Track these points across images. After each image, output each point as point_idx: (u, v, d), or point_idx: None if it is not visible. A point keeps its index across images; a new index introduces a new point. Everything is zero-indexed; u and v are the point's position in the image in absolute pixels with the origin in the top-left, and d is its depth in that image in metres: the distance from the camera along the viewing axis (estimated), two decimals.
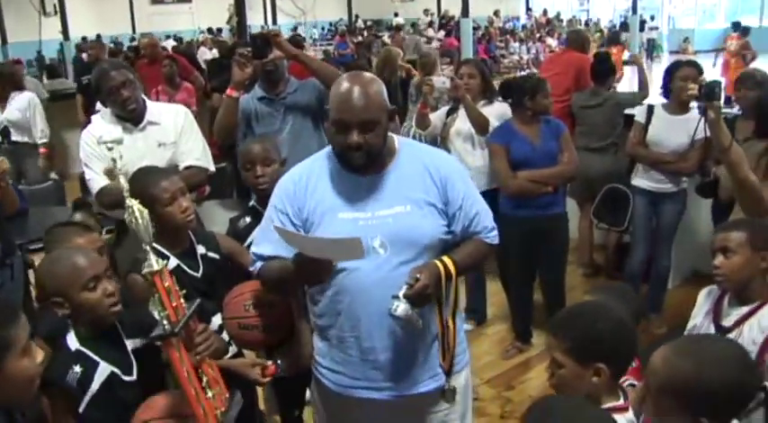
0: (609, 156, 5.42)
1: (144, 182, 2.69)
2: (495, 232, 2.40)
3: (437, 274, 2.18)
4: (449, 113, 4.79)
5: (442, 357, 2.30)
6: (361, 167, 2.23)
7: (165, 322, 2.09)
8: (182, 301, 2.19)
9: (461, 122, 4.61)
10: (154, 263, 2.11)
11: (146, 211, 2.15)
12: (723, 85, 3.23)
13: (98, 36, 20.39)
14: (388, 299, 2.10)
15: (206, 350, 2.23)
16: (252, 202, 3.10)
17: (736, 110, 4.74)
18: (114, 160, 2.22)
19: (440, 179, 2.29)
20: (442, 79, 6.00)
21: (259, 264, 2.36)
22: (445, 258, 2.23)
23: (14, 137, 6.51)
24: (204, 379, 2.21)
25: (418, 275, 2.12)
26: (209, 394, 2.19)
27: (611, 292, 2.57)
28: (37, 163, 6.65)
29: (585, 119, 5.55)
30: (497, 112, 4.53)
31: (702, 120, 3.02)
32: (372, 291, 2.20)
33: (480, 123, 4.42)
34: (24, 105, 6.52)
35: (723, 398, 1.69)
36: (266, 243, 2.33)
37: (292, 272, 2.22)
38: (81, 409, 2.12)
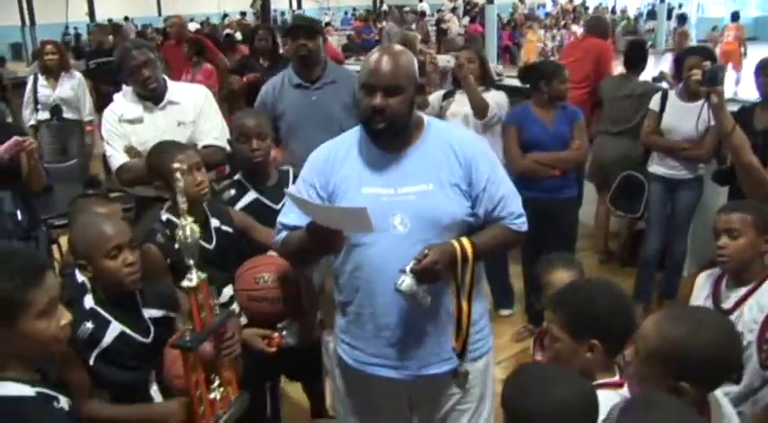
0: (625, 141, 5.35)
1: (160, 155, 2.79)
2: (523, 219, 2.37)
3: (450, 253, 2.18)
4: (445, 96, 4.84)
5: (454, 338, 2.30)
6: (384, 133, 2.24)
7: (187, 335, 2.18)
8: (216, 310, 2.31)
9: (457, 106, 4.68)
10: (194, 278, 2.19)
11: (197, 230, 2.24)
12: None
13: (126, 18, 20.57)
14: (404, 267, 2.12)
15: (228, 356, 2.31)
16: (237, 176, 3.15)
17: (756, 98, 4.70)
18: (179, 174, 2.28)
19: (465, 159, 2.28)
20: (446, 58, 6.01)
21: (284, 233, 2.39)
22: (464, 240, 2.22)
23: (66, 114, 6.64)
24: (216, 382, 2.29)
25: (427, 251, 2.13)
26: (216, 395, 2.26)
27: (562, 262, 2.65)
28: (80, 140, 6.78)
29: (612, 105, 5.48)
30: (494, 99, 4.57)
31: (706, 105, 3.05)
32: (389, 267, 2.19)
33: (480, 107, 4.46)
34: (76, 84, 6.67)
35: (709, 364, 1.72)
36: (291, 213, 2.36)
37: (306, 241, 2.24)
38: (91, 362, 2.24)
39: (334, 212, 2.19)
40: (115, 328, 2.28)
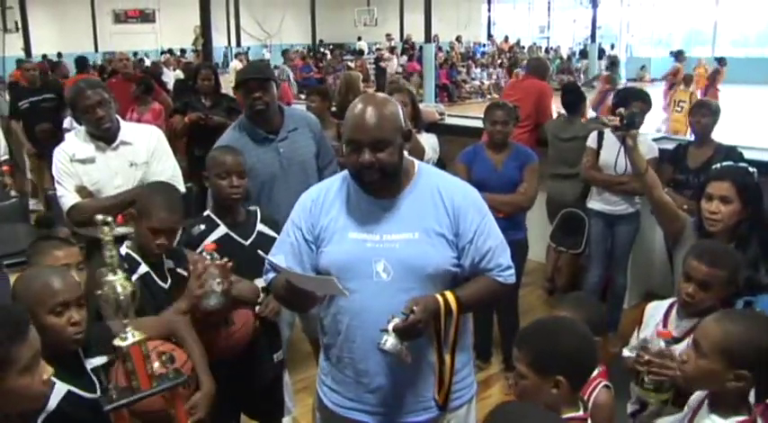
0: (577, 183, 5.36)
1: (150, 201, 2.78)
2: (511, 271, 2.34)
3: (434, 309, 2.16)
4: None
5: (437, 391, 2.28)
6: (375, 184, 2.22)
7: (114, 392, 2.12)
8: (170, 373, 2.23)
9: None
10: (129, 336, 2.14)
11: (129, 287, 2.16)
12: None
13: (59, 54, 20.28)
14: (384, 324, 2.09)
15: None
16: (207, 212, 3.15)
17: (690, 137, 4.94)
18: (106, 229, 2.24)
19: (453, 210, 2.26)
20: None
21: (271, 274, 2.40)
22: (447, 293, 2.21)
23: None
24: None
25: (414, 308, 2.09)
26: None
27: (571, 302, 2.72)
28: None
29: (557, 147, 5.58)
30: (427, 143, 4.53)
31: (622, 147, 3.24)
32: (370, 314, 2.19)
33: (416, 152, 4.37)
34: None
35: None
36: (280, 254, 2.34)
37: (287, 295, 2.26)
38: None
39: (309, 279, 2.23)
40: (60, 390, 2.10)
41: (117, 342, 2.12)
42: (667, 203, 3.21)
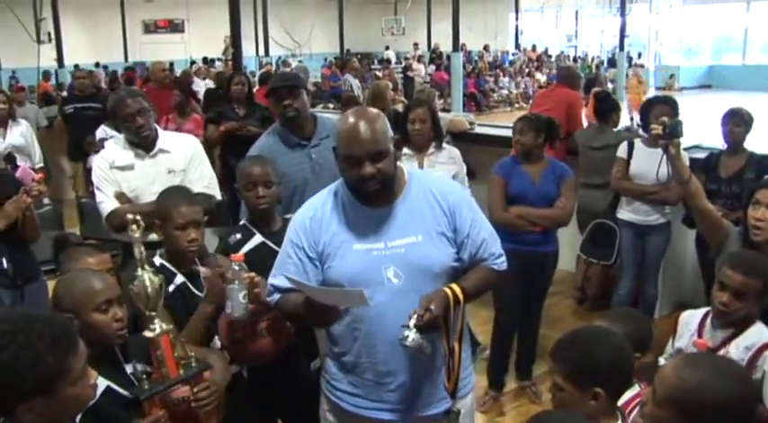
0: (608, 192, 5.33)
1: (168, 199, 2.87)
2: (503, 258, 2.49)
3: (446, 304, 2.26)
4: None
5: (447, 380, 2.38)
6: (376, 196, 2.32)
7: (145, 383, 2.20)
8: (192, 361, 2.29)
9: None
10: (157, 328, 2.23)
11: (156, 280, 2.27)
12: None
13: (97, 64, 20.58)
14: (405, 321, 2.18)
15: (201, 408, 2.30)
16: (243, 221, 3.20)
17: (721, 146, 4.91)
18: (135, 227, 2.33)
19: (448, 208, 2.38)
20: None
21: (276, 295, 2.45)
22: (454, 285, 2.31)
23: (20, 162, 6.58)
24: None
25: (431, 307, 2.19)
26: None
27: (618, 318, 2.71)
28: None
29: (589, 156, 5.58)
30: (448, 157, 4.44)
31: (664, 156, 3.24)
32: (387, 318, 2.28)
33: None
34: (25, 130, 6.62)
35: (724, 411, 1.76)
36: (281, 275, 2.40)
37: (304, 313, 2.32)
38: (78, 419, 2.13)
39: (332, 293, 2.29)
40: (100, 385, 2.15)
41: (147, 333, 2.21)
42: (711, 212, 3.21)
